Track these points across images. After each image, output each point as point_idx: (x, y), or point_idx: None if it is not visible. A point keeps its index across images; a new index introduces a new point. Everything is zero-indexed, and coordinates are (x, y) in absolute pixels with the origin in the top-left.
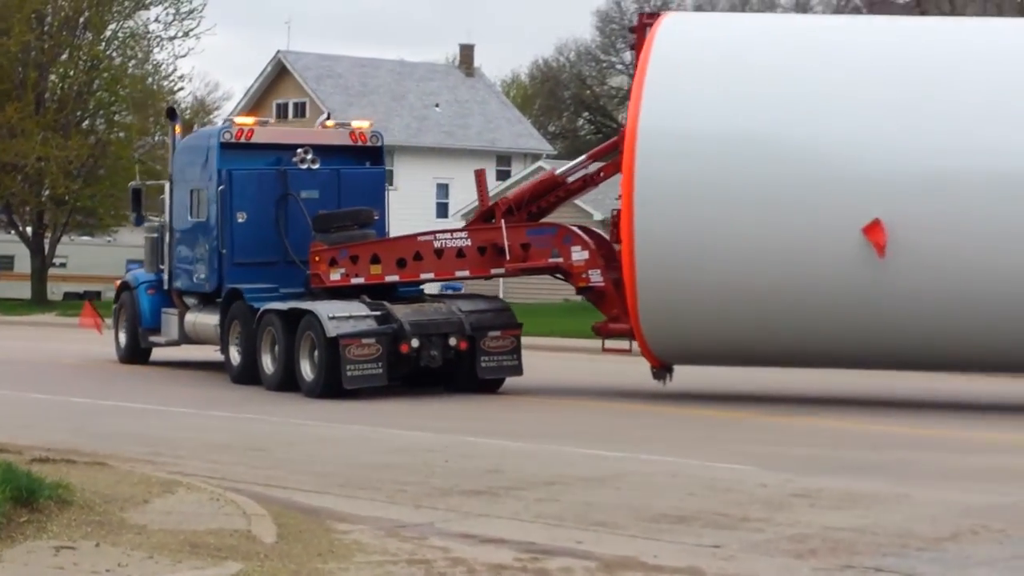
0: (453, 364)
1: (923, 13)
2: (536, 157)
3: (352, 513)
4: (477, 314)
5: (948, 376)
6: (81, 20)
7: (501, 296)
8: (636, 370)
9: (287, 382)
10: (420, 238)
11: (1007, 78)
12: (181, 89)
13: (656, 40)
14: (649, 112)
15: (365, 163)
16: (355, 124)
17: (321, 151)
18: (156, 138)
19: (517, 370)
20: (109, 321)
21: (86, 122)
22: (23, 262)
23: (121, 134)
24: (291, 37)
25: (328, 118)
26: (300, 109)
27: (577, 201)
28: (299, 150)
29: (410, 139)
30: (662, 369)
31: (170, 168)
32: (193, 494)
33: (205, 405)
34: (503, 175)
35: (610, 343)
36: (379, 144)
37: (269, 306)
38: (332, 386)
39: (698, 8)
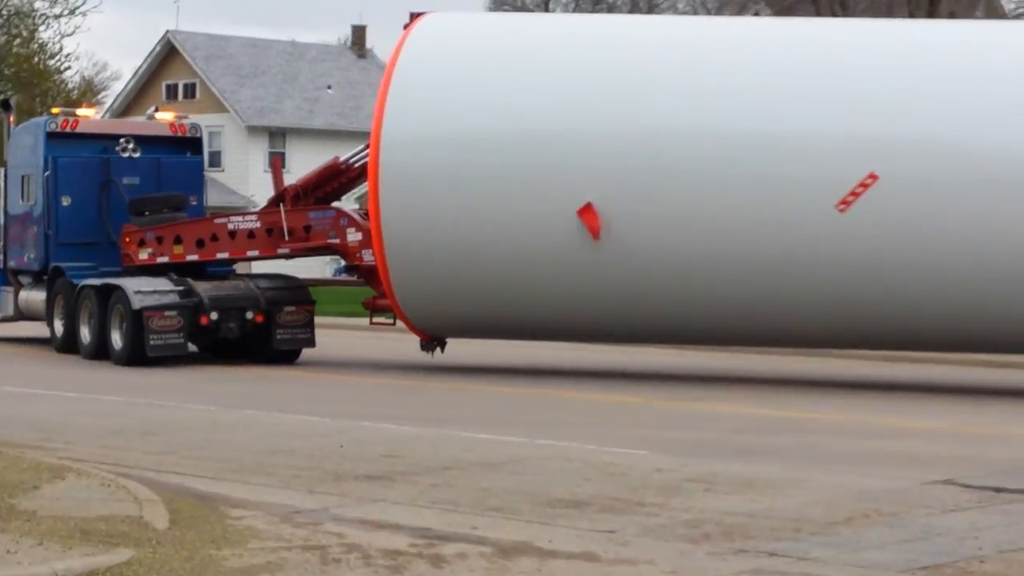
0: (251, 336)
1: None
2: None
3: (246, 499)
4: (273, 290)
5: (821, 359)
6: None
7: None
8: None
9: (101, 351)
10: (216, 220)
11: (728, 69)
12: (68, 68)
13: (409, 39)
14: (392, 108)
15: (185, 153)
16: (174, 117)
17: (144, 141)
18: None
19: (310, 342)
20: None
21: None
22: None
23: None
24: (180, 17)
25: (156, 111)
26: (190, 90)
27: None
28: (121, 140)
29: (302, 121)
30: (430, 342)
31: (4, 156)
32: (84, 480)
33: (95, 389)
34: None
35: (378, 318)
36: (198, 135)
37: (86, 282)
38: (137, 354)
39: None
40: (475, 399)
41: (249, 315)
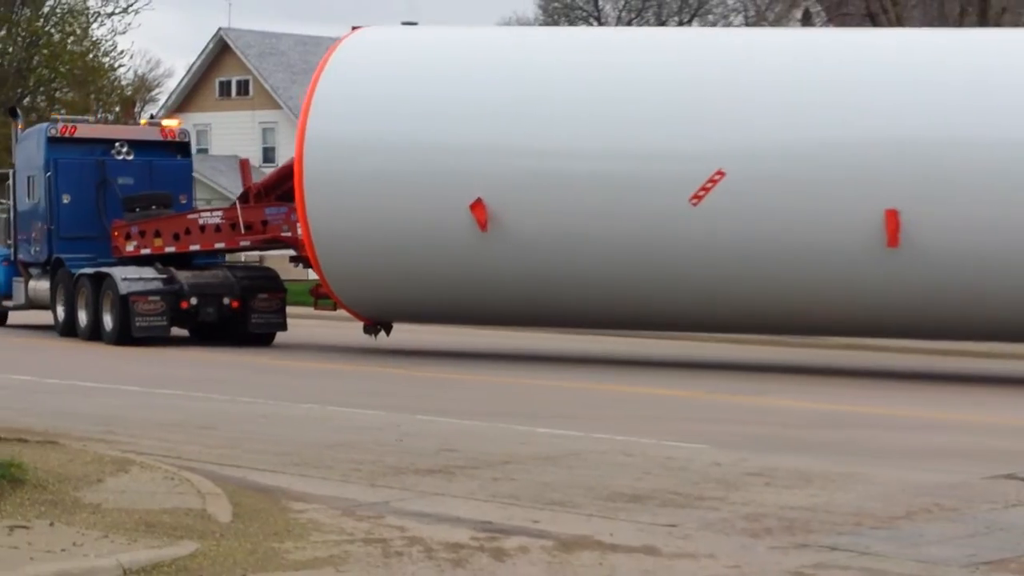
0: (229, 320)
1: (874, 24)
2: None
3: (307, 492)
4: (248, 279)
5: (861, 351)
6: None
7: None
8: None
9: (95, 333)
10: (189, 216)
11: (600, 86)
12: (121, 66)
13: (335, 53)
14: (314, 114)
15: (176, 155)
16: (165, 123)
17: (138, 145)
18: (98, 115)
19: (282, 326)
20: None
21: (27, 99)
22: None
23: (62, 111)
24: (232, 14)
25: (152, 118)
26: (243, 87)
27: None
28: (116, 143)
29: None
30: (372, 326)
31: (13, 158)
32: (147, 472)
33: (153, 383)
34: None
35: (322, 303)
36: (187, 140)
37: (83, 271)
38: (124, 335)
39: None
40: (525, 393)
41: (226, 301)
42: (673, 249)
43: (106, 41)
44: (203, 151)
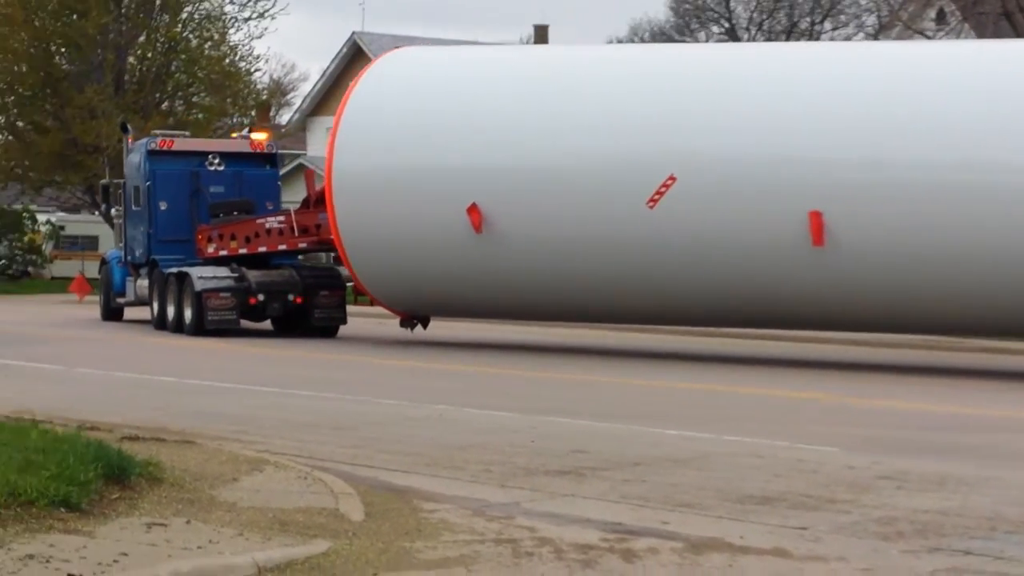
0: (293, 314)
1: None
2: None
3: (438, 492)
4: (312, 277)
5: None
6: (157, 1)
7: None
8: None
9: (179, 326)
10: (257, 221)
11: (569, 109)
12: (258, 70)
13: (360, 81)
14: (341, 139)
15: (264, 166)
16: (253, 136)
17: (229, 157)
18: (234, 119)
19: (342, 320)
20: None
21: (165, 103)
22: (107, 242)
23: (199, 115)
24: (366, 18)
25: (249, 131)
26: None
27: None
28: (209, 156)
29: None
30: (407, 320)
31: (125, 169)
32: (281, 472)
33: (286, 384)
34: None
35: (361, 299)
36: (274, 151)
37: (170, 270)
38: (199, 327)
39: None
40: (653, 394)
41: (290, 297)
42: (634, 248)
43: (243, 46)
44: None
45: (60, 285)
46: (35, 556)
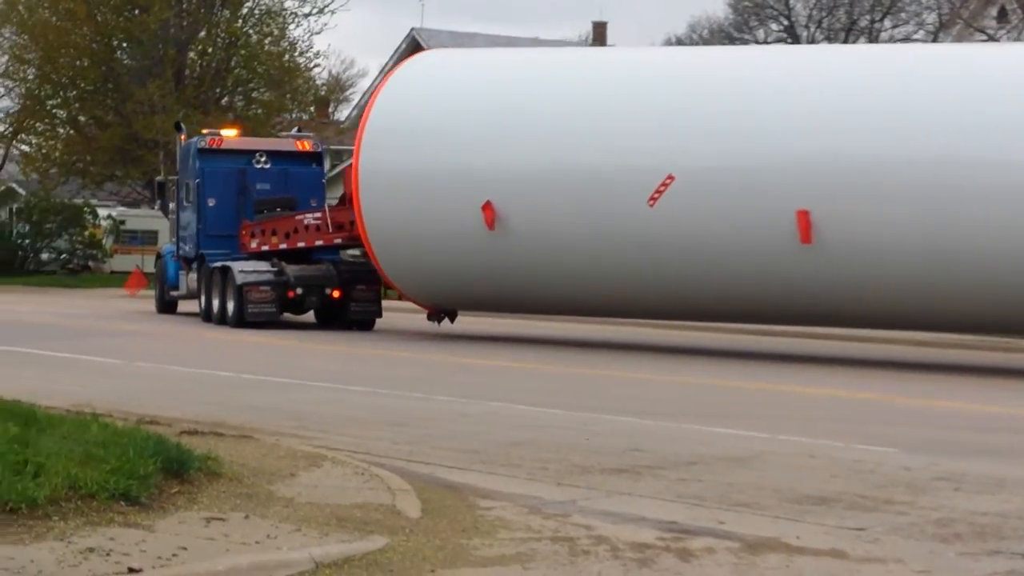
0: (330, 307)
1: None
2: None
3: (494, 489)
4: (349, 272)
5: None
6: None
7: None
8: None
9: (223, 318)
10: (296, 217)
11: (576, 114)
12: (317, 66)
13: (392, 77)
14: (366, 143)
15: (310, 164)
16: (299, 135)
17: (275, 155)
18: (293, 115)
19: (377, 314)
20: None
21: (225, 99)
22: (167, 237)
23: (259, 111)
24: (424, 14)
25: (298, 130)
26: None
27: None
28: (256, 154)
29: None
30: (434, 314)
31: (178, 167)
32: (339, 468)
33: (344, 380)
34: None
35: (391, 293)
36: (319, 150)
37: (215, 264)
38: (240, 318)
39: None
40: (707, 393)
41: (327, 291)
42: (634, 245)
43: (302, 42)
44: None
45: (119, 279)
46: (95, 549)
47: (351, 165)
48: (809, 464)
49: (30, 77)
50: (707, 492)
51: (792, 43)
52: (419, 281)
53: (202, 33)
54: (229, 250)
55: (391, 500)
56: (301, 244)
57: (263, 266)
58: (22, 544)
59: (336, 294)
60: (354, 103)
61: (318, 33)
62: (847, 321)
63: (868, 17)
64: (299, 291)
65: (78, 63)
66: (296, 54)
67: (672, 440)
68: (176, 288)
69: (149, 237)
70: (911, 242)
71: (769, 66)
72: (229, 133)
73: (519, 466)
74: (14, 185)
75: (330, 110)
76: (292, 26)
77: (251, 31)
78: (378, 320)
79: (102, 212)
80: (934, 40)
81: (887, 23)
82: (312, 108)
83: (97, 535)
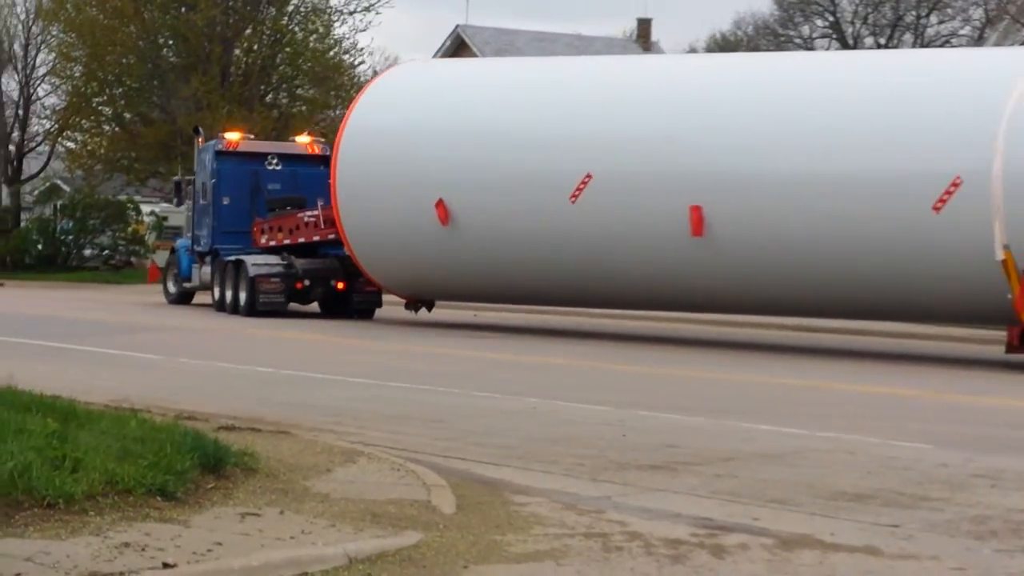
0: (336, 298)
1: None
2: None
3: (529, 485)
4: (352, 265)
5: None
6: None
7: None
8: None
9: (235, 308)
10: (298, 215)
11: (526, 120)
12: (362, 63)
13: (370, 87)
14: (344, 146)
15: (319, 166)
16: (304, 139)
17: (286, 158)
18: (336, 111)
19: (378, 304)
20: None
21: (269, 96)
22: None
23: (303, 108)
24: (469, 11)
25: (306, 135)
26: None
27: None
28: (268, 156)
29: None
30: (411, 303)
31: (195, 167)
32: (374, 464)
33: (382, 376)
34: None
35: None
36: (327, 153)
37: (229, 258)
38: (251, 308)
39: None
40: (744, 389)
41: (332, 282)
42: (558, 238)
43: (347, 39)
44: None
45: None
46: (131, 544)
47: None
48: (845, 460)
49: (77, 75)
50: (742, 488)
51: (837, 39)
52: (389, 273)
53: (248, 30)
54: (242, 245)
55: (426, 496)
56: (302, 239)
57: (274, 259)
58: (58, 539)
59: (340, 285)
60: None
61: (363, 30)
62: (737, 308)
63: (914, 13)
64: (307, 282)
65: (124, 60)
66: (341, 51)
67: (709, 436)
68: (188, 280)
69: None
70: (783, 234)
71: (688, 78)
72: (232, 137)
73: (555, 462)
74: (58, 182)
75: None
76: (337, 23)
77: (297, 28)
78: (377, 310)
79: (145, 208)
80: (980, 36)
81: (933, 19)
82: None
83: (133, 530)
